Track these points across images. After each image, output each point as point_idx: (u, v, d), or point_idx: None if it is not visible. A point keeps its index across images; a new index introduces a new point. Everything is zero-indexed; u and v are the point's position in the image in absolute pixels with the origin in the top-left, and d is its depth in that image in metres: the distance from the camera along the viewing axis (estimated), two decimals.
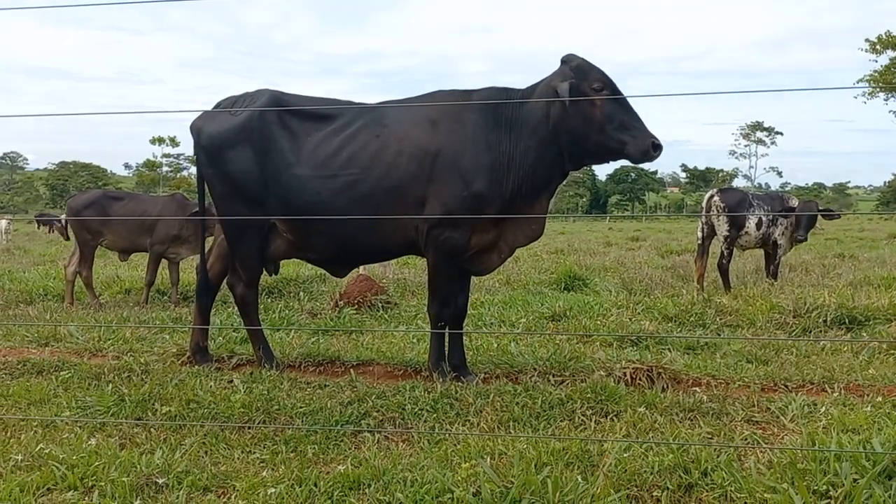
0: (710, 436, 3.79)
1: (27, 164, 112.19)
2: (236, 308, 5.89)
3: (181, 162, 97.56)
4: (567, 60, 4.63)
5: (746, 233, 9.34)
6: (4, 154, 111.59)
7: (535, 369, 5.17)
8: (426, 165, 4.67)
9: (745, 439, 3.77)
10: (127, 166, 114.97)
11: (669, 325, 7.02)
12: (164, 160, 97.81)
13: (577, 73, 4.49)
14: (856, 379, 5.03)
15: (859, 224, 39.31)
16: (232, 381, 4.91)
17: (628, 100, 4.53)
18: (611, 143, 4.35)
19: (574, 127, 4.47)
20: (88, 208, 8.93)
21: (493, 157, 4.67)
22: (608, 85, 4.46)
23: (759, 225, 9.32)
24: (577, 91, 4.47)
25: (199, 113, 5.34)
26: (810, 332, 6.53)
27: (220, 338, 6.38)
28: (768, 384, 4.97)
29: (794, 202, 9.56)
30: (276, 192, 4.95)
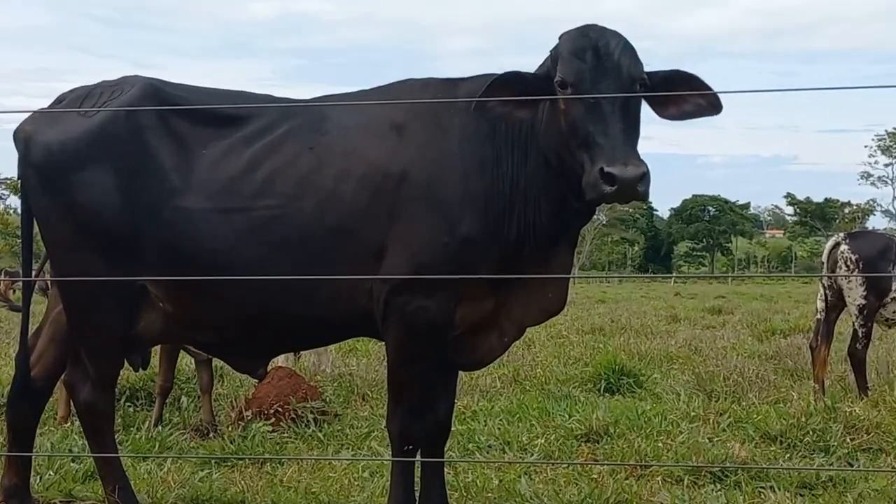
0: None
1: None
2: (77, 422, 5.08)
3: None
4: (559, 38, 3.87)
5: (895, 299, 7.67)
6: None
7: None
8: (386, 195, 3.96)
9: None
10: None
11: (772, 448, 5.86)
12: None
13: (553, 60, 3.74)
14: None
15: None
16: None
17: (620, 102, 3.64)
18: (576, 167, 3.62)
19: (550, 143, 3.81)
20: None
21: (490, 183, 3.94)
22: (581, 78, 3.63)
23: None
24: (545, 86, 3.74)
25: (29, 113, 4.49)
26: None
27: (51, 472, 5.11)
28: None
29: None
30: (153, 234, 4.12)
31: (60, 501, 4.71)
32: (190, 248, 4.08)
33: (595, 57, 3.62)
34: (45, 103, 4.44)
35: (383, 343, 4.22)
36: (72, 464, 5.22)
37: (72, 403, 6.30)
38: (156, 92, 4.27)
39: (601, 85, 3.60)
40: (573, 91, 3.59)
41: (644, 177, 3.40)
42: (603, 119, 3.55)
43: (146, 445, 5.83)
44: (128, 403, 7.12)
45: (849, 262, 7.40)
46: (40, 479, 5.01)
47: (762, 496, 4.83)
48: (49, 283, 5.05)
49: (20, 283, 9.92)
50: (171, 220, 4.08)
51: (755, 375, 8.57)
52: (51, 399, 5.48)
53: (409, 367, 4.10)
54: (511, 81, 3.69)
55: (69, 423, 6.54)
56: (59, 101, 4.42)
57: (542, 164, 3.89)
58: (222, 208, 4.06)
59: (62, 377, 4.63)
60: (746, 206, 77.22)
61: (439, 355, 4.15)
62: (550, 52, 3.79)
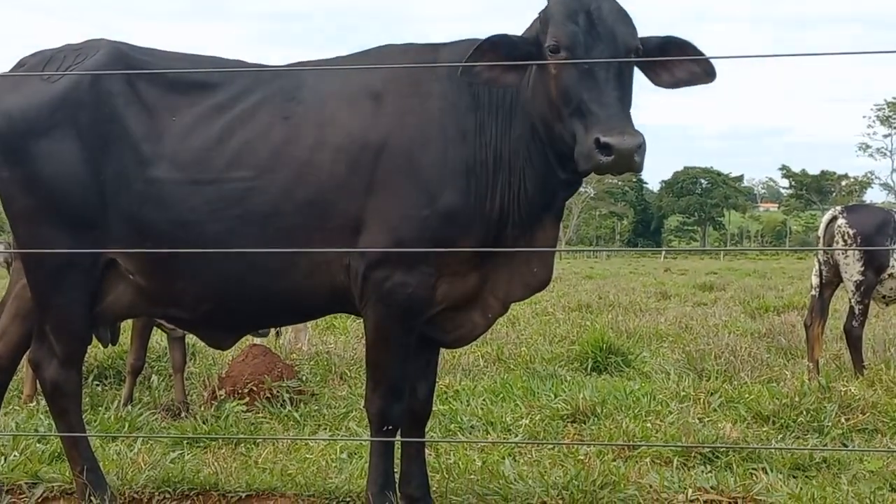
0: None
1: None
2: (43, 401, 4.99)
3: None
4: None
5: (892, 275, 7.40)
6: None
7: (545, 503, 4.35)
8: (364, 166, 3.91)
9: None
10: None
11: (765, 429, 5.72)
12: None
13: (542, 23, 3.62)
14: None
15: None
16: None
17: (620, 68, 3.56)
18: (566, 136, 3.55)
19: (537, 111, 3.73)
20: None
21: (472, 154, 3.88)
22: (575, 43, 3.53)
23: None
24: (535, 50, 3.66)
25: None
26: None
27: (16, 452, 5.01)
28: None
29: None
30: (121, 206, 4.08)
31: (26, 483, 4.61)
32: (160, 220, 4.01)
33: (588, 21, 3.50)
34: (4, 68, 4.32)
35: (362, 320, 4.13)
36: (38, 444, 5.16)
37: (37, 382, 6.25)
38: (123, 56, 4.13)
39: (595, 50, 3.50)
40: (566, 56, 3.47)
41: (641, 147, 3.32)
42: (597, 86, 3.44)
43: (115, 425, 5.76)
44: (96, 382, 7.07)
45: (846, 237, 7.23)
46: (5, 459, 4.94)
47: (754, 477, 4.74)
48: (12, 256, 4.90)
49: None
50: (139, 192, 4.03)
51: (747, 354, 8.44)
52: (15, 377, 5.40)
53: (389, 345, 4.07)
54: (499, 45, 3.57)
55: (35, 403, 6.45)
56: (20, 65, 4.32)
57: (527, 132, 3.81)
58: (194, 179, 4.00)
59: (27, 355, 4.58)
60: (740, 178, 74.17)
61: (420, 332, 4.10)
62: (539, 14, 3.66)
